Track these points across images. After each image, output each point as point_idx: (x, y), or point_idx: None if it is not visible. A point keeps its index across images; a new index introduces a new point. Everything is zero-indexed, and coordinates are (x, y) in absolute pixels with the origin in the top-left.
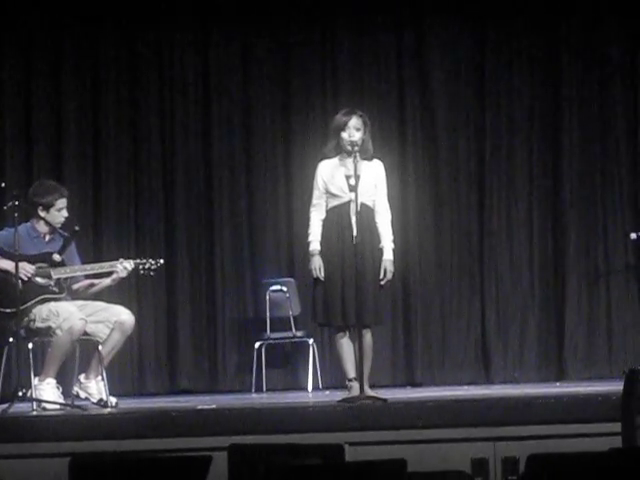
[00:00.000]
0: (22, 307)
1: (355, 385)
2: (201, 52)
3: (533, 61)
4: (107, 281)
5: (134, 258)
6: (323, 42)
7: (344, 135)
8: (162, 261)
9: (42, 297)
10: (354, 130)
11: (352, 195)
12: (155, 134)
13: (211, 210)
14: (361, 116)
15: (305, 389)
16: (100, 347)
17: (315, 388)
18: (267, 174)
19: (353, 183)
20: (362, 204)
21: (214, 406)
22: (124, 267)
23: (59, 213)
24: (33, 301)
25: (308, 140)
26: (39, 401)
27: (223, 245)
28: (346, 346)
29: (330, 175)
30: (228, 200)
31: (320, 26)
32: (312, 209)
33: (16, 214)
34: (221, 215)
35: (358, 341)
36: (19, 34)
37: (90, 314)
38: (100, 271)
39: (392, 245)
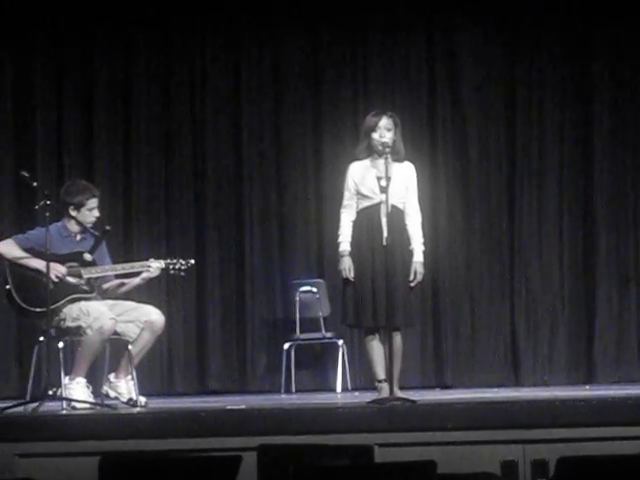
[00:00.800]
0: (53, 306)
1: (385, 386)
2: (232, 54)
3: (564, 63)
4: (137, 280)
5: (164, 258)
6: (354, 44)
7: (375, 136)
8: (193, 261)
9: (73, 296)
10: (385, 130)
11: (383, 197)
12: (186, 136)
13: (241, 211)
14: (391, 116)
15: (334, 390)
16: (130, 347)
17: (344, 389)
18: (298, 175)
19: (384, 184)
20: (393, 206)
21: (243, 406)
22: (155, 267)
23: (90, 213)
24: (64, 300)
25: (339, 141)
26: (69, 400)
27: (253, 246)
28: (376, 348)
29: (361, 176)
30: (258, 201)
31: (351, 28)
32: (343, 210)
33: (47, 213)
34: (251, 216)
35: (388, 343)
36: (51, 35)
37: (120, 314)
38: (131, 271)
39: (422, 247)
